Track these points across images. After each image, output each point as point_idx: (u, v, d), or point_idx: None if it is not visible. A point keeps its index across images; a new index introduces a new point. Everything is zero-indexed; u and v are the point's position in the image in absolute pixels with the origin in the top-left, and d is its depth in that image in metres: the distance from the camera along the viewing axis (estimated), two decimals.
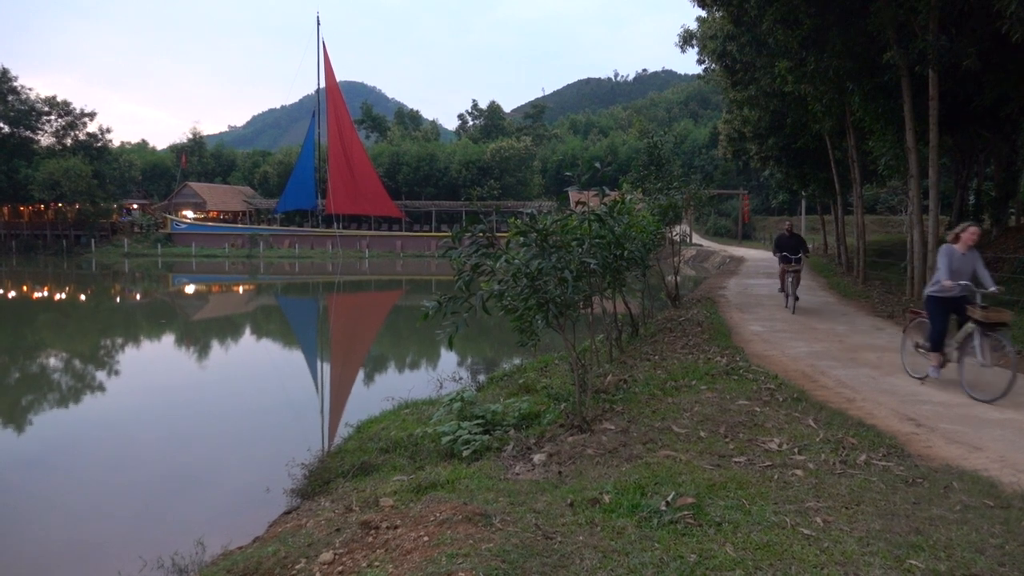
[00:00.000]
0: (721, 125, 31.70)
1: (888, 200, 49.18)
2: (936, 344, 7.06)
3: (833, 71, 14.69)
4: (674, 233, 16.39)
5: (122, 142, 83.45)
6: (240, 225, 63.76)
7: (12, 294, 31.36)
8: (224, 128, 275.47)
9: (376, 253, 56.97)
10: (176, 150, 76.09)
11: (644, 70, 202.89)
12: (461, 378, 11.51)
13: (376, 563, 3.48)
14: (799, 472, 4.41)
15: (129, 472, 8.22)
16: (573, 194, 6.62)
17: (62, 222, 58.68)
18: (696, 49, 21.65)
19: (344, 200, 59.02)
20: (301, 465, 6.74)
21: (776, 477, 4.33)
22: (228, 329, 22.28)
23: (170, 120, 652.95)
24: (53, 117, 59.60)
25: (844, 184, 21.72)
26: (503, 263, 5.35)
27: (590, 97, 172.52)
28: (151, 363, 16.15)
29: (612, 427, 5.76)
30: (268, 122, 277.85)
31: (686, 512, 3.69)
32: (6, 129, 57.95)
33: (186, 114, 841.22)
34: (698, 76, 48.62)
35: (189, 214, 63.27)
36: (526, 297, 5.50)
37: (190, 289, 36.23)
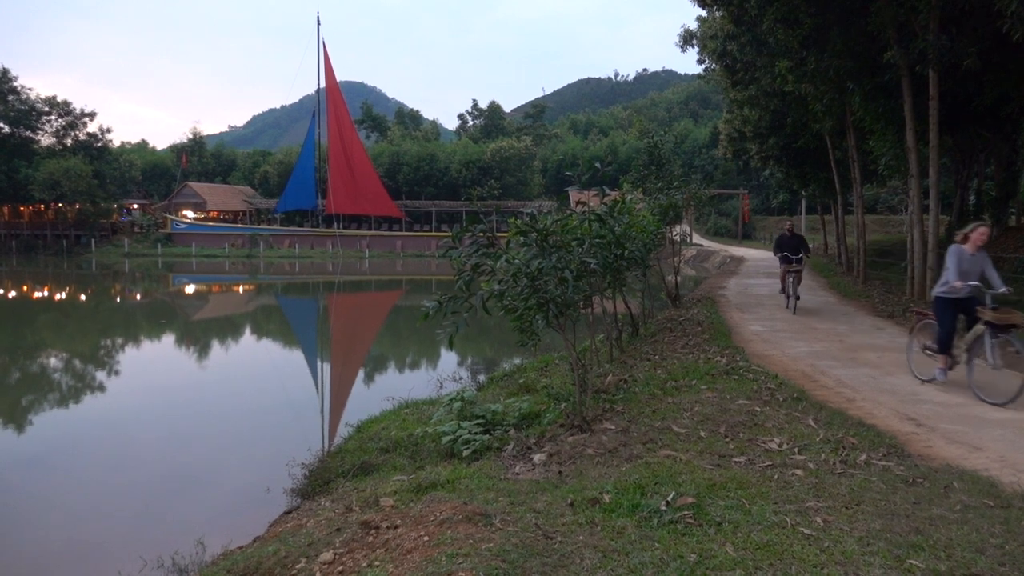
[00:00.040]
0: (721, 125, 31.71)
1: (888, 200, 49.16)
2: (944, 346, 6.95)
3: (833, 71, 14.69)
4: (674, 233, 16.39)
5: (122, 142, 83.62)
6: (240, 225, 63.77)
7: (12, 294, 31.37)
8: (224, 128, 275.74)
9: (376, 253, 56.98)
10: (176, 150, 76.10)
11: (644, 70, 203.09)
12: (461, 378, 11.52)
13: (376, 563, 3.48)
14: (799, 472, 4.41)
15: (129, 472, 8.22)
16: (573, 194, 6.63)
17: (62, 222, 58.70)
18: (696, 49, 21.65)
19: (344, 200, 59.03)
20: (301, 465, 6.73)
21: (776, 477, 4.33)
22: (228, 329, 22.28)
23: (170, 120, 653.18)
24: (53, 117, 59.66)
25: (844, 184, 21.73)
26: (503, 263, 5.35)
27: (590, 97, 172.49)
28: (151, 363, 16.15)
29: (612, 427, 5.76)
30: (268, 122, 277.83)
31: (686, 512, 3.69)
32: (6, 129, 57.98)
33: (186, 114, 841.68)
34: (698, 76, 48.59)
35: (189, 214, 63.28)
36: (526, 297, 5.50)
37: (190, 289, 36.23)
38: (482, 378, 11.00)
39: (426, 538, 3.57)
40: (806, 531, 3.47)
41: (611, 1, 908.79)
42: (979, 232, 6.83)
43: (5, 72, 56.66)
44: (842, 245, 24.69)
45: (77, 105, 60.64)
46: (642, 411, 6.14)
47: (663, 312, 14.60)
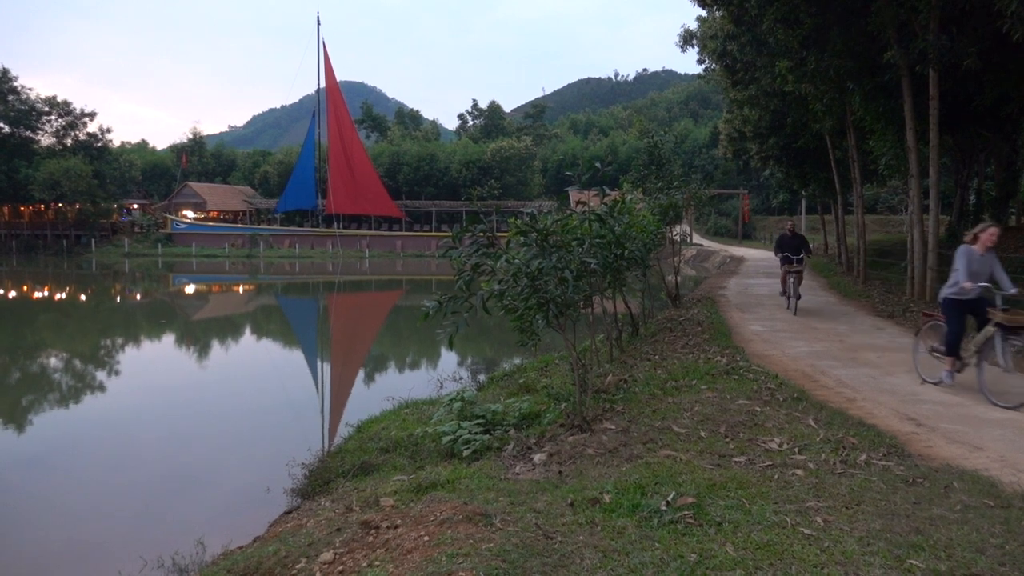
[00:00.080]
0: (721, 125, 31.71)
1: (888, 200, 49.16)
2: (952, 348, 6.84)
3: (834, 71, 14.69)
4: (674, 233, 16.38)
5: (122, 142, 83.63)
6: (240, 225, 63.76)
7: (12, 294, 31.37)
8: (224, 128, 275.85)
9: (376, 253, 56.98)
10: (176, 150, 76.12)
11: (644, 70, 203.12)
12: (461, 378, 11.52)
13: (376, 563, 3.48)
14: (799, 472, 4.41)
15: (129, 472, 8.22)
16: (573, 194, 6.62)
17: (62, 222, 58.71)
18: (696, 49, 21.67)
19: (344, 200, 59.03)
20: (301, 465, 6.74)
21: (776, 477, 4.33)
22: (228, 329, 22.28)
23: (170, 120, 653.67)
24: (53, 117, 59.68)
25: (844, 184, 21.72)
26: (503, 263, 5.35)
27: (590, 97, 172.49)
28: (151, 363, 16.16)
29: (612, 427, 5.76)
30: (268, 122, 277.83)
31: (686, 512, 3.69)
32: (6, 129, 58.00)
33: (186, 114, 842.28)
34: (698, 76, 48.59)
35: (189, 214, 63.28)
36: (526, 297, 5.49)
37: (190, 289, 36.23)
38: (482, 378, 10.99)
39: (426, 538, 3.57)
40: (806, 531, 3.47)
41: (611, 1, 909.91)
42: (989, 232, 6.74)
43: (5, 72, 56.70)
44: (842, 245, 24.68)
45: (77, 105, 60.78)
46: (642, 411, 6.14)
47: (663, 312, 14.60)
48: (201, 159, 75.73)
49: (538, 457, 5.39)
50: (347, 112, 62.38)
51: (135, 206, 67.31)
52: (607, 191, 6.76)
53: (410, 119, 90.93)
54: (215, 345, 18.67)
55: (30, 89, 58.45)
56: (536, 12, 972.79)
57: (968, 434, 5.42)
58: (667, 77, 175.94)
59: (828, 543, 3.34)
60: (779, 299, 14.20)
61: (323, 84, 61.52)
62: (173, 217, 61.66)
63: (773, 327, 11.37)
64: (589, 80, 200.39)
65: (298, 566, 3.79)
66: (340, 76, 66.21)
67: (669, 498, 3.88)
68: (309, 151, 62.15)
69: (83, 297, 30.97)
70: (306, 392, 13.04)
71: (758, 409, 5.97)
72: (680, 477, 4.29)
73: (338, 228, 58.63)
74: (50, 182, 54.10)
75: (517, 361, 12.18)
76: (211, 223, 63.23)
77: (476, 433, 6.40)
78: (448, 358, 14.48)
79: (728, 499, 3.92)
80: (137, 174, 69.72)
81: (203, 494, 7.48)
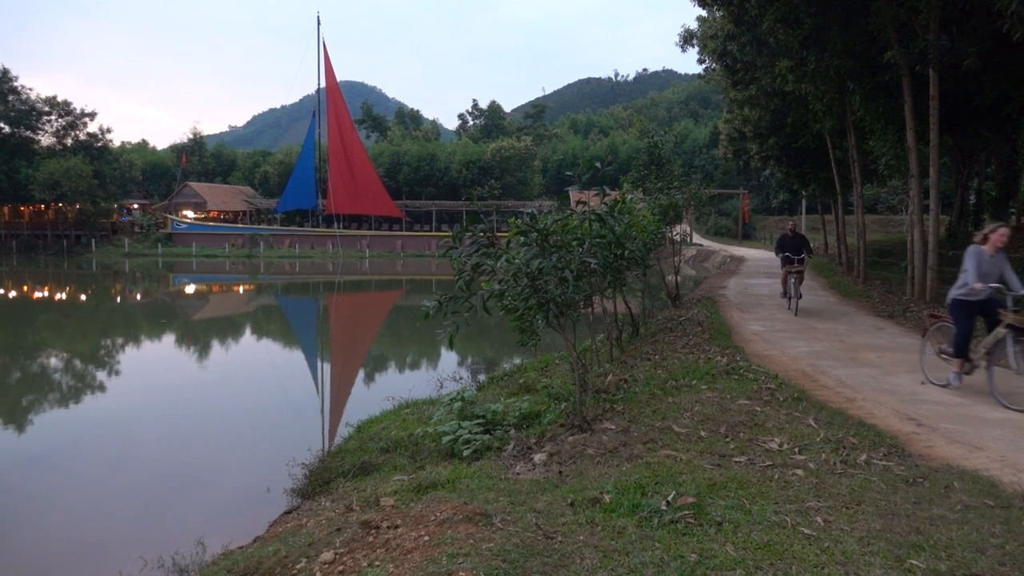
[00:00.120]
0: (721, 125, 31.71)
1: (888, 200, 49.16)
2: (960, 349, 6.75)
3: (834, 70, 14.69)
4: (674, 233, 16.38)
5: (122, 142, 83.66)
6: (240, 225, 63.78)
7: (13, 294, 31.37)
8: (224, 128, 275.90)
9: (376, 253, 56.99)
10: (176, 150, 76.12)
11: (644, 70, 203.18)
12: (461, 378, 11.51)
13: (377, 563, 3.48)
14: (799, 472, 4.41)
15: (129, 472, 8.22)
16: (574, 194, 6.63)
17: (62, 222, 58.72)
18: (696, 49, 21.64)
19: (344, 200, 59.04)
20: (301, 465, 6.73)
21: (776, 477, 4.33)
22: (228, 329, 22.28)
23: (170, 120, 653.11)
24: (53, 117, 59.68)
25: (844, 184, 21.73)
26: (503, 263, 5.35)
27: (590, 97, 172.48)
28: (151, 363, 16.16)
29: (612, 427, 5.75)
30: (268, 122, 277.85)
31: (686, 512, 3.69)
32: (6, 129, 58.01)
33: (186, 114, 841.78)
34: (698, 76, 48.53)
35: (189, 214, 63.29)
36: (526, 297, 5.49)
37: (190, 289, 36.24)
38: (482, 378, 10.99)
39: (426, 538, 3.57)
40: (806, 531, 3.47)
41: (611, 1, 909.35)
42: (999, 233, 6.66)
43: (5, 72, 56.71)
44: (842, 245, 24.69)
45: (77, 105, 60.80)
46: (642, 411, 6.14)
47: (663, 312, 14.60)
48: (201, 159, 75.74)
49: (538, 457, 5.39)
50: (347, 112, 62.40)
51: (135, 206, 67.33)
52: (607, 191, 6.76)
53: (410, 119, 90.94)
54: (215, 345, 18.67)
55: (30, 89, 58.63)
56: (536, 12, 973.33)
57: (968, 434, 5.42)
58: (667, 77, 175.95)
59: (828, 543, 3.34)
60: (779, 299, 14.20)
61: (323, 84, 61.62)
62: (173, 217, 61.67)
63: (773, 327, 11.37)
64: (589, 80, 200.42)
65: (298, 566, 3.79)
66: (340, 76, 66.29)
67: (669, 498, 3.88)
68: (309, 151, 62.16)
69: (83, 297, 30.97)
70: (306, 392, 13.04)
71: (758, 409, 5.97)
72: (680, 477, 4.29)
73: (338, 228, 58.64)
74: (50, 182, 54.11)
75: (517, 361, 12.18)
76: (211, 223, 63.24)
77: (476, 433, 6.40)
78: (448, 358, 14.48)
79: (728, 499, 3.92)
80: (137, 174, 69.73)
81: (203, 494, 7.48)
